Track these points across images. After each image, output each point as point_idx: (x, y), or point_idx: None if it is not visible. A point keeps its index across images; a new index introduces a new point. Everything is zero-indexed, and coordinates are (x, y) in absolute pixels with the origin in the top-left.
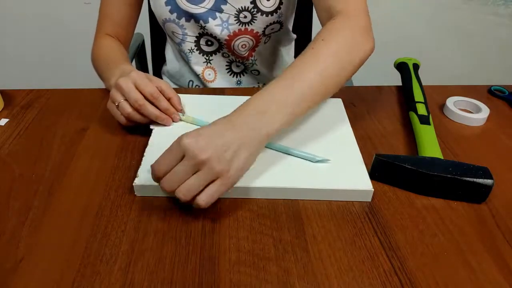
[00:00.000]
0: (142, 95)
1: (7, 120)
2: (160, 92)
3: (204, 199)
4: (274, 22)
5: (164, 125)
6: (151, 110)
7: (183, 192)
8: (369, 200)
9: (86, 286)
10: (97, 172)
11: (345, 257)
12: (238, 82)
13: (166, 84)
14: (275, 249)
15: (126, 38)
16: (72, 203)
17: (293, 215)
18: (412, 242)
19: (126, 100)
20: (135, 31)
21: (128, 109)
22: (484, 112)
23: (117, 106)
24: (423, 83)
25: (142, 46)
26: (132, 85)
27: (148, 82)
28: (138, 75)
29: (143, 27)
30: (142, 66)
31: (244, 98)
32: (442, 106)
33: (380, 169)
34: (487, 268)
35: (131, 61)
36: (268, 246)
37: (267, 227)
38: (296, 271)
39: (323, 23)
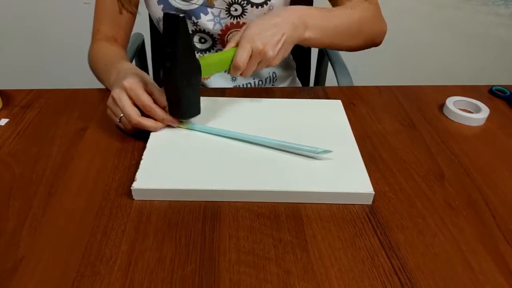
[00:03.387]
0: (136, 109)
1: (7, 120)
2: (154, 100)
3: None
4: (265, 14)
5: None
6: (147, 124)
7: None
8: (370, 203)
9: (86, 286)
10: (97, 172)
11: (345, 257)
12: (233, 78)
13: (159, 91)
14: (275, 249)
15: (124, 38)
16: (72, 203)
17: (293, 215)
18: (412, 242)
19: None
20: (135, 31)
21: (128, 125)
22: (484, 112)
23: (120, 120)
24: (423, 83)
25: (142, 46)
26: (126, 98)
27: (140, 92)
28: (130, 84)
29: (143, 27)
30: (142, 66)
31: (242, 100)
32: (442, 106)
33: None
34: (487, 268)
35: (131, 61)
36: (268, 246)
37: (267, 227)
38: (296, 271)
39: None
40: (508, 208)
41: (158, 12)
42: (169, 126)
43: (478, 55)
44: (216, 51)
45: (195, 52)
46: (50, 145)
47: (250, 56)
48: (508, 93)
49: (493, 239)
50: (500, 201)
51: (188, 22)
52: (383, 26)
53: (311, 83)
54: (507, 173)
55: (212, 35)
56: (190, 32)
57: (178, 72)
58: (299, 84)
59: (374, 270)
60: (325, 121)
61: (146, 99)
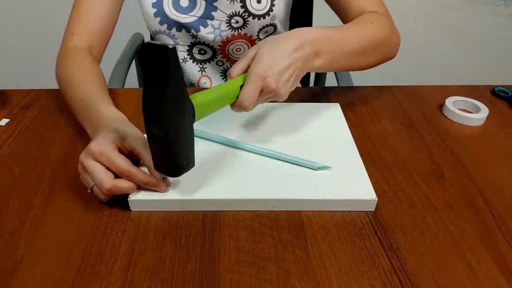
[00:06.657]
0: (109, 173)
1: (7, 120)
2: (135, 155)
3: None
4: (267, 25)
5: None
6: (124, 186)
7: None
8: (373, 209)
9: (86, 286)
10: None
11: (345, 257)
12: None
13: (142, 144)
14: (275, 249)
15: (100, 49)
16: (72, 203)
17: (293, 215)
18: (412, 242)
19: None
20: (135, 31)
21: (101, 195)
22: (483, 112)
23: (91, 190)
24: (423, 83)
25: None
26: (94, 163)
27: (113, 156)
28: (99, 148)
29: (143, 27)
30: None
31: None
32: (442, 106)
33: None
34: (487, 268)
35: (131, 61)
36: (268, 246)
37: (267, 227)
38: (296, 271)
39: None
40: (508, 208)
41: (155, 24)
42: None
43: (478, 55)
44: (217, 62)
45: (195, 62)
46: (50, 145)
47: (259, 93)
48: (510, 93)
49: (493, 239)
50: (500, 201)
51: (187, 34)
52: (396, 38)
53: (311, 83)
54: (507, 173)
55: (212, 46)
56: (189, 44)
57: (166, 119)
58: (299, 86)
59: (374, 270)
60: (325, 127)
61: (121, 163)
